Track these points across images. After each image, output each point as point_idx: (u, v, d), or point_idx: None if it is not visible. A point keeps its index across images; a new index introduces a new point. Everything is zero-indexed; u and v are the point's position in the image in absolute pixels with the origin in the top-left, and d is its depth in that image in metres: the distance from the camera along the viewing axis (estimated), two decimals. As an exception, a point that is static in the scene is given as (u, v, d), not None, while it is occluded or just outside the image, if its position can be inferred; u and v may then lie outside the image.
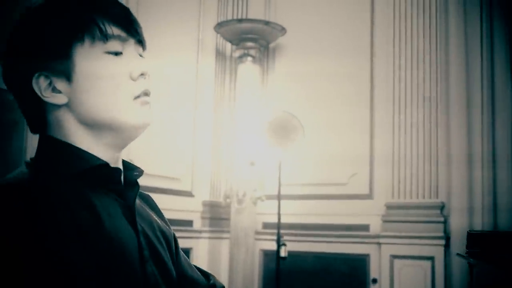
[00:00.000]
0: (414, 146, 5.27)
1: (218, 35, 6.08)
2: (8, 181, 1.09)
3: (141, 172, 1.28)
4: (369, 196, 5.60)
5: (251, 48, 5.80)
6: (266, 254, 5.86)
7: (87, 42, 1.18)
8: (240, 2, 6.34)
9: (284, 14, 6.09)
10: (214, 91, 6.25)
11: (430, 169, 5.19)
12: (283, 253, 4.91)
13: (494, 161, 4.84)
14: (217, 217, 6.08)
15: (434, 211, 5.17)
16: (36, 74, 1.18)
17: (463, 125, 5.00)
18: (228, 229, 5.83)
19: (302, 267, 5.56)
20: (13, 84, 1.22)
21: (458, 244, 4.90)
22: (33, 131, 1.26)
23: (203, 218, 6.03)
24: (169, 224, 1.37)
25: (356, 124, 5.65)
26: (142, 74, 1.22)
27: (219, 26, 5.86)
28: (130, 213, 1.20)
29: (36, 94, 1.18)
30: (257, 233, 5.85)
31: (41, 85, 1.18)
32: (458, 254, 3.87)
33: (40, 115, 1.22)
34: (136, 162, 1.34)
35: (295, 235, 5.50)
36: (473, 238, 3.14)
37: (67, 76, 1.18)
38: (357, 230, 5.53)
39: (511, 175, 4.75)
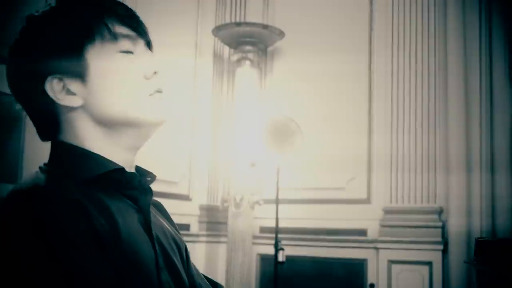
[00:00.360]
0: (412, 151, 5.27)
1: (216, 38, 6.06)
2: (24, 187, 1.07)
3: (153, 178, 1.27)
4: (367, 200, 5.59)
5: (249, 51, 5.78)
6: (263, 258, 5.84)
7: (98, 42, 1.17)
8: (238, 6, 6.33)
9: (282, 18, 6.08)
10: (212, 94, 6.23)
11: (428, 174, 5.18)
12: (281, 257, 4.89)
13: (492, 165, 4.84)
14: (214, 221, 6.06)
15: (432, 216, 5.15)
16: (49, 77, 1.16)
17: (461, 130, 4.99)
18: (225, 233, 5.81)
19: (299, 272, 5.54)
20: (22, 89, 1.21)
21: (457, 249, 4.89)
22: (44, 138, 1.24)
23: (200, 222, 6.01)
24: (179, 232, 1.37)
25: (354, 128, 5.63)
26: (155, 73, 1.22)
27: (217, 30, 5.85)
28: (145, 220, 1.19)
29: (48, 98, 1.17)
30: (254, 237, 5.83)
31: (55, 88, 1.16)
32: (465, 262, 3.85)
33: (52, 120, 1.20)
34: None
35: (293, 239, 5.48)
36: (482, 245, 3.11)
37: (81, 76, 1.17)
38: (355, 234, 5.52)
39: (509, 179, 4.75)
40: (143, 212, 1.19)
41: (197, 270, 1.37)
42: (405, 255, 5.16)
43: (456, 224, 4.93)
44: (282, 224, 5.11)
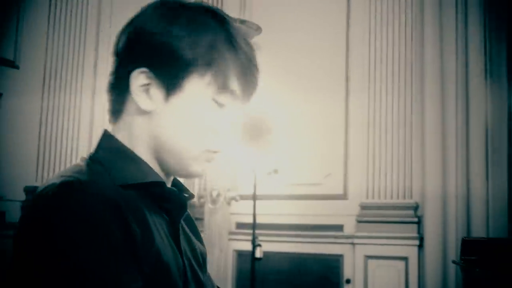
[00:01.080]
0: (389, 147, 5.29)
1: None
2: (69, 179, 1.02)
3: (191, 196, 1.26)
4: (343, 196, 5.60)
5: (226, 46, 5.75)
6: (240, 254, 5.83)
7: (207, 78, 1.14)
8: (215, 1, 6.30)
9: (260, 13, 6.06)
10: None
11: (404, 170, 5.21)
12: (258, 254, 4.88)
13: (468, 161, 4.87)
14: (190, 217, 6.02)
15: (408, 212, 5.18)
16: (142, 68, 1.12)
17: (437, 126, 5.02)
18: (201, 229, 5.77)
19: (275, 268, 5.54)
20: (118, 61, 1.18)
21: (432, 245, 4.92)
22: (112, 114, 1.21)
23: (176, 218, 5.97)
24: (203, 243, 1.36)
25: (330, 124, 5.64)
26: (226, 135, 1.20)
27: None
28: (175, 233, 1.16)
29: (127, 85, 1.14)
30: (231, 233, 5.81)
31: (139, 80, 1.13)
32: (453, 262, 3.87)
33: (117, 108, 1.18)
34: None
35: (269, 235, 5.47)
36: (469, 245, 3.13)
37: (169, 92, 1.13)
38: (332, 230, 5.53)
39: (484, 175, 4.78)
40: (174, 226, 1.17)
41: (211, 281, 1.35)
42: (381, 251, 5.18)
43: (431, 220, 4.96)
44: (258, 220, 5.10)
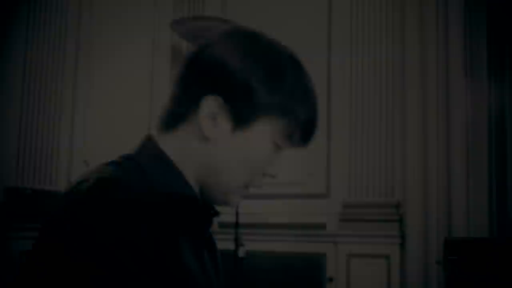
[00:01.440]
0: (371, 145, 5.30)
1: (174, 33, 6.00)
2: (105, 175, 1.01)
3: (217, 213, 1.27)
4: (326, 195, 5.61)
5: (207, 46, 5.72)
6: (223, 254, 5.77)
7: (275, 125, 1.16)
8: (196, 1, 6.30)
9: (241, 12, 6.05)
10: (170, 87, 6.16)
11: (386, 168, 5.23)
12: (241, 253, 4.87)
13: (448, 159, 4.90)
14: (173, 217, 5.99)
15: (389, 210, 5.20)
16: (218, 96, 1.11)
17: (419, 124, 5.05)
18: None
19: (258, 267, 5.54)
20: (192, 76, 1.17)
21: (414, 243, 4.95)
22: (164, 123, 1.20)
23: (158, 218, 5.94)
24: (220, 260, 1.40)
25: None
26: (272, 176, 1.25)
27: (175, 24, 5.78)
28: (199, 249, 1.18)
29: (196, 105, 1.12)
30: (213, 233, 5.78)
31: (210, 107, 1.12)
32: (436, 262, 3.90)
33: (174, 120, 1.17)
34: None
35: (251, 234, 5.47)
36: (451, 245, 3.15)
37: (236, 127, 1.14)
38: (314, 229, 5.54)
39: (465, 173, 4.82)
40: (198, 240, 1.19)
41: None
42: (364, 249, 5.20)
43: (413, 218, 4.99)
44: (241, 219, 5.10)
